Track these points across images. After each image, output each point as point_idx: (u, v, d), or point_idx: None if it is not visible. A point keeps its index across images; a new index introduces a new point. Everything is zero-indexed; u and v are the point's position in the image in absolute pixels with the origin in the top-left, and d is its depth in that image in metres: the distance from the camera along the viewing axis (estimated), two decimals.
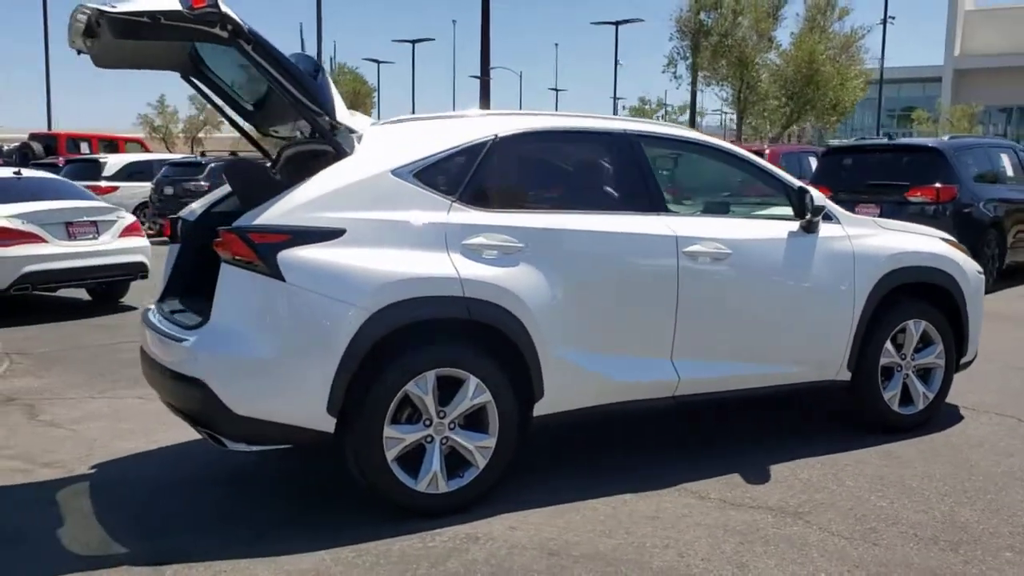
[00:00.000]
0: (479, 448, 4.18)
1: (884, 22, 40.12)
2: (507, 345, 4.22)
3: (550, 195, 4.75)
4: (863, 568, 3.62)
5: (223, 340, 3.90)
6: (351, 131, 4.28)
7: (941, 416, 5.55)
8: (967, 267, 5.59)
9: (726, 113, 60.27)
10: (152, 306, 4.81)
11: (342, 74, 54.45)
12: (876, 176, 11.43)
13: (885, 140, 12.68)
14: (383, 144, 4.28)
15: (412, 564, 3.68)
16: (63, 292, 10.56)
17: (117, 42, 4.10)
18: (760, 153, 13.17)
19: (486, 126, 4.48)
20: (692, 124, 40.15)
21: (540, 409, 4.35)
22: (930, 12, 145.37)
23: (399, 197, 4.13)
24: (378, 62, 65.06)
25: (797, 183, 5.06)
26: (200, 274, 4.92)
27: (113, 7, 3.78)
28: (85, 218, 9.84)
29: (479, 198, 4.30)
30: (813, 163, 14.60)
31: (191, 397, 3.99)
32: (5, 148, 27.26)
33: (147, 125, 58.68)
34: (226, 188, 5.08)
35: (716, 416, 5.62)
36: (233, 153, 21.96)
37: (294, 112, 4.60)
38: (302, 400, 3.89)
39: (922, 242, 5.49)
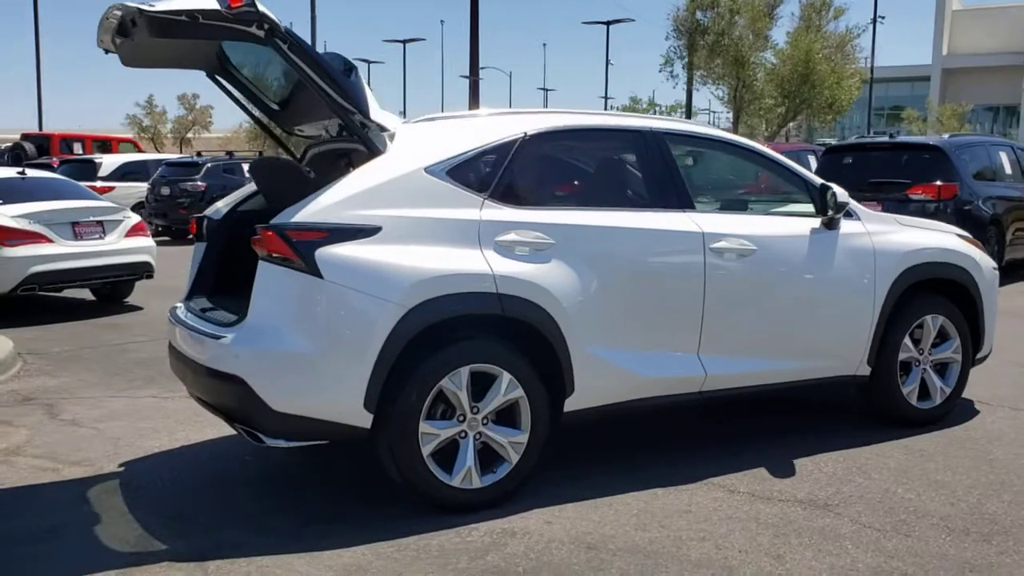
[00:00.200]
0: (512, 443, 4.22)
1: (874, 21, 40.37)
2: (539, 341, 4.25)
3: (578, 192, 4.79)
4: (899, 559, 3.67)
5: (261, 337, 3.92)
6: (383, 129, 4.30)
7: (957, 411, 5.62)
8: (983, 263, 5.66)
9: (714, 112, 60.61)
10: (180, 304, 4.83)
11: None
12: (877, 174, 11.51)
13: (886, 138, 12.73)
14: (416, 142, 4.30)
15: (452, 558, 3.71)
16: (67, 292, 10.53)
17: (150, 41, 4.11)
18: None
19: (515, 124, 4.51)
20: None
21: (570, 405, 4.39)
22: (918, 11, 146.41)
23: (433, 195, 4.16)
24: (368, 62, 65.11)
25: (819, 180, 5.12)
26: (227, 271, 4.96)
27: (152, 6, 3.80)
28: (91, 218, 9.82)
29: (510, 195, 4.33)
30: (812, 162, 14.67)
31: (229, 394, 4.00)
32: None
33: (135, 125, 58.46)
34: (251, 187, 5.10)
35: (733, 411, 5.66)
36: (229, 153, 21.98)
37: (321, 111, 4.64)
38: (340, 396, 3.92)
39: (940, 238, 5.55)
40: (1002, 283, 11.46)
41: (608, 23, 50.41)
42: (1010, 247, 11.78)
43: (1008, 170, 12.37)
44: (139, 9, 3.79)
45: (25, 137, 27.36)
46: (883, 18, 58.77)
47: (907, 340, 5.33)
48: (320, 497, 4.44)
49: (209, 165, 19.38)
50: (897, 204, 10.75)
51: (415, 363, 3.99)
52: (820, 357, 5.08)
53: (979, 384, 6.05)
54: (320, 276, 3.87)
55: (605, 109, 55.77)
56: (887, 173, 11.45)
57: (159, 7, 3.80)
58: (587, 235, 4.38)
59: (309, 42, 4.36)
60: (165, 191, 18.94)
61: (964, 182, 11.15)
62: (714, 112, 62.29)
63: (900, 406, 5.35)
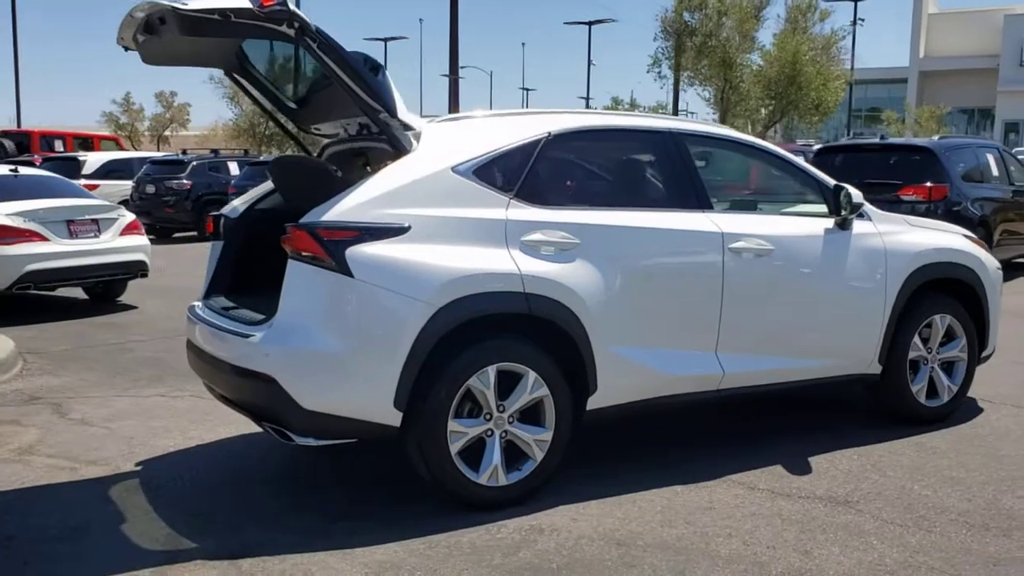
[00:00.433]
0: (537, 441, 4.25)
1: (854, 23, 40.75)
2: (563, 340, 4.28)
3: (601, 192, 4.83)
4: (924, 553, 3.73)
5: (291, 335, 3.93)
6: (408, 128, 4.31)
7: (963, 408, 5.70)
8: (988, 263, 5.75)
9: (694, 114, 60.78)
10: (198, 302, 4.82)
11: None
12: (868, 175, 11.61)
13: (878, 139, 12.87)
14: (442, 142, 4.32)
15: (485, 555, 3.73)
16: (60, 291, 10.45)
17: (176, 39, 4.11)
18: None
19: (539, 124, 4.54)
20: None
21: (593, 403, 4.43)
22: (895, 14, 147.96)
23: (460, 194, 4.18)
24: None
25: (832, 181, 5.18)
26: (245, 270, 4.96)
27: (185, 4, 3.79)
28: (86, 216, 9.74)
29: (535, 195, 4.36)
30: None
31: (258, 392, 4.00)
32: None
33: (112, 123, 57.88)
34: (267, 185, 5.10)
35: (746, 409, 5.72)
36: (215, 151, 21.86)
37: (340, 110, 4.65)
38: (369, 395, 3.93)
39: (948, 239, 5.64)
40: None
41: (590, 23, 50.56)
42: (997, 248, 11.92)
43: (995, 172, 12.53)
44: (172, 8, 3.78)
45: (5, 134, 27.00)
46: (863, 20, 59.22)
47: (916, 339, 5.41)
48: (338, 495, 4.45)
49: (194, 163, 19.28)
50: (888, 205, 10.81)
51: (444, 362, 4.01)
52: (833, 356, 5.14)
53: (982, 382, 6.14)
54: (351, 275, 3.88)
55: (587, 108, 55.97)
56: (878, 174, 11.55)
57: (193, 5, 3.79)
58: (611, 235, 4.42)
59: None
60: (150, 189, 18.82)
61: (954, 183, 11.28)
62: (693, 113, 62.52)
63: (910, 404, 5.43)
